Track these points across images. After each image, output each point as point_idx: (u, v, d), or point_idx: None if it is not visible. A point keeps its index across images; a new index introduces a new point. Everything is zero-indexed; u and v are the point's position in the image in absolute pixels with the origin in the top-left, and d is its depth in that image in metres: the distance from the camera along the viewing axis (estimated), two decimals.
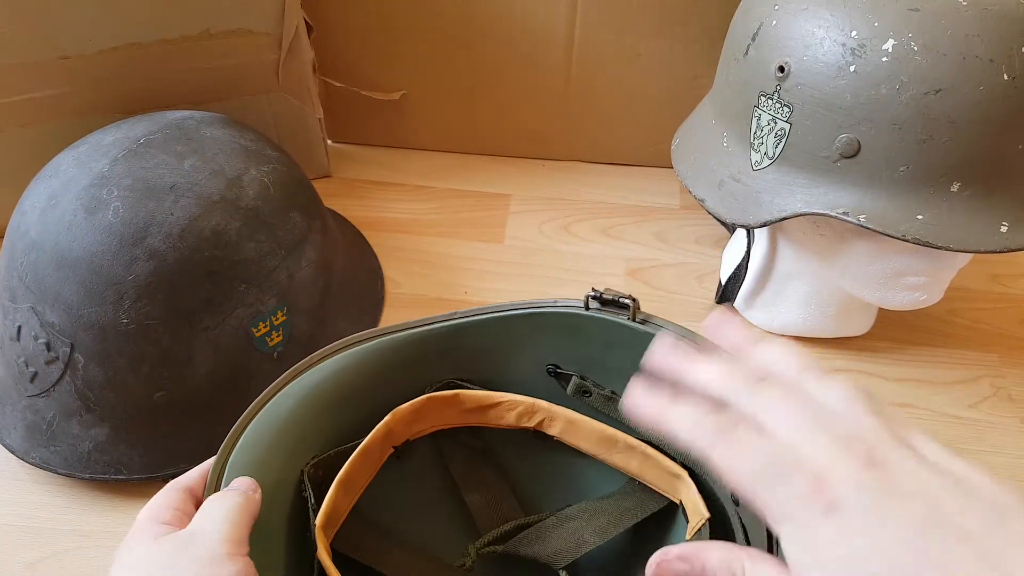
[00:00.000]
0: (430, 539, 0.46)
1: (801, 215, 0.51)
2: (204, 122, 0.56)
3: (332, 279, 0.59)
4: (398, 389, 0.44)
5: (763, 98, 0.52)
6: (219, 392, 0.52)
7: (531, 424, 0.46)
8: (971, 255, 0.54)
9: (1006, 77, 0.45)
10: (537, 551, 0.44)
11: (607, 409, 0.46)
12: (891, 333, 0.65)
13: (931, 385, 0.61)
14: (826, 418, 0.28)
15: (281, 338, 0.54)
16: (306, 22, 0.68)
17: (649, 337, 0.42)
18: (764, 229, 0.60)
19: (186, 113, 0.57)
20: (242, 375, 0.53)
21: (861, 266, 0.55)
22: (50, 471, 0.51)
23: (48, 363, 0.50)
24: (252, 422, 0.39)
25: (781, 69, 0.50)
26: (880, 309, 0.64)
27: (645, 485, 0.46)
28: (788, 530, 0.26)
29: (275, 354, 0.54)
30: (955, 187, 0.48)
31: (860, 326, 0.64)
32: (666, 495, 0.45)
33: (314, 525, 0.38)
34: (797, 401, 0.28)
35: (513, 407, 0.45)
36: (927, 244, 0.48)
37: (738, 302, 0.65)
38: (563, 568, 0.44)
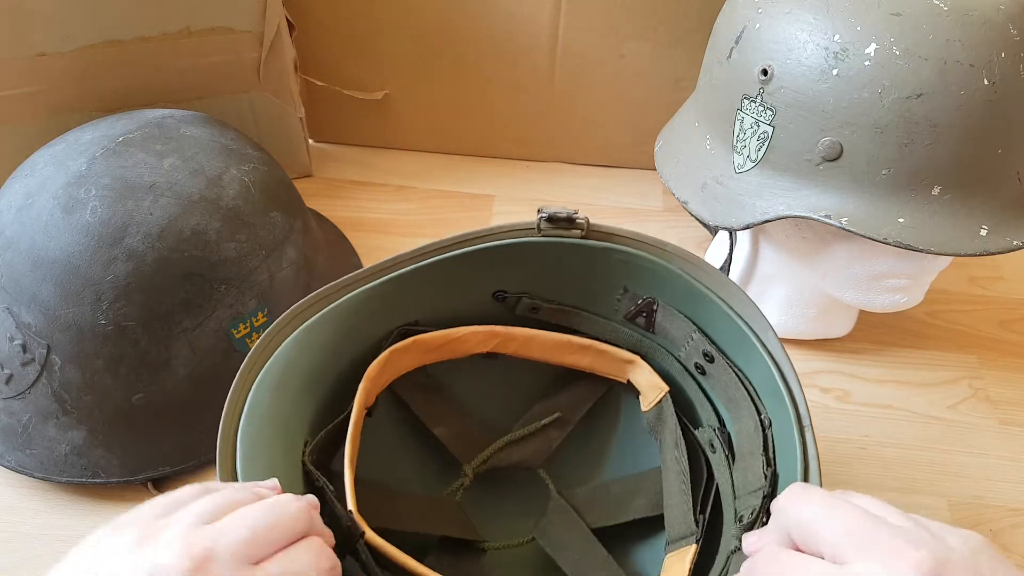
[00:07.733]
0: (417, 479, 0.49)
1: (783, 218, 0.51)
2: (184, 121, 0.55)
3: (313, 280, 0.59)
4: (357, 352, 0.44)
5: (746, 101, 0.52)
6: (198, 394, 0.51)
7: (489, 348, 0.48)
8: (951, 258, 0.55)
9: (986, 82, 0.46)
10: (516, 458, 0.50)
11: (557, 319, 0.49)
12: (871, 335, 0.65)
13: (911, 386, 0.62)
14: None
15: None
16: (288, 20, 0.68)
17: (601, 250, 0.45)
18: (746, 231, 0.60)
19: (165, 112, 0.56)
20: (222, 377, 0.52)
21: (842, 268, 0.56)
22: (26, 475, 0.50)
23: (24, 365, 0.49)
24: (241, 426, 0.37)
25: (764, 72, 0.50)
26: (861, 311, 0.64)
27: (588, 374, 0.50)
28: None
29: None
30: (936, 191, 0.48)
31: (841, 328, 0.64)
32: (615, 378, 0.50)
33: (351, 512, 0.37)
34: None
35: (471, 337, 0.47)
36: (908, 247, 0.48)
37: None
38: (541, 467, 0.50)
